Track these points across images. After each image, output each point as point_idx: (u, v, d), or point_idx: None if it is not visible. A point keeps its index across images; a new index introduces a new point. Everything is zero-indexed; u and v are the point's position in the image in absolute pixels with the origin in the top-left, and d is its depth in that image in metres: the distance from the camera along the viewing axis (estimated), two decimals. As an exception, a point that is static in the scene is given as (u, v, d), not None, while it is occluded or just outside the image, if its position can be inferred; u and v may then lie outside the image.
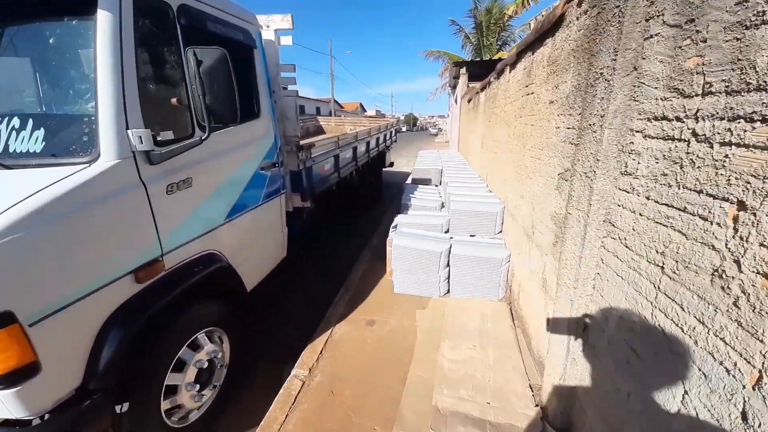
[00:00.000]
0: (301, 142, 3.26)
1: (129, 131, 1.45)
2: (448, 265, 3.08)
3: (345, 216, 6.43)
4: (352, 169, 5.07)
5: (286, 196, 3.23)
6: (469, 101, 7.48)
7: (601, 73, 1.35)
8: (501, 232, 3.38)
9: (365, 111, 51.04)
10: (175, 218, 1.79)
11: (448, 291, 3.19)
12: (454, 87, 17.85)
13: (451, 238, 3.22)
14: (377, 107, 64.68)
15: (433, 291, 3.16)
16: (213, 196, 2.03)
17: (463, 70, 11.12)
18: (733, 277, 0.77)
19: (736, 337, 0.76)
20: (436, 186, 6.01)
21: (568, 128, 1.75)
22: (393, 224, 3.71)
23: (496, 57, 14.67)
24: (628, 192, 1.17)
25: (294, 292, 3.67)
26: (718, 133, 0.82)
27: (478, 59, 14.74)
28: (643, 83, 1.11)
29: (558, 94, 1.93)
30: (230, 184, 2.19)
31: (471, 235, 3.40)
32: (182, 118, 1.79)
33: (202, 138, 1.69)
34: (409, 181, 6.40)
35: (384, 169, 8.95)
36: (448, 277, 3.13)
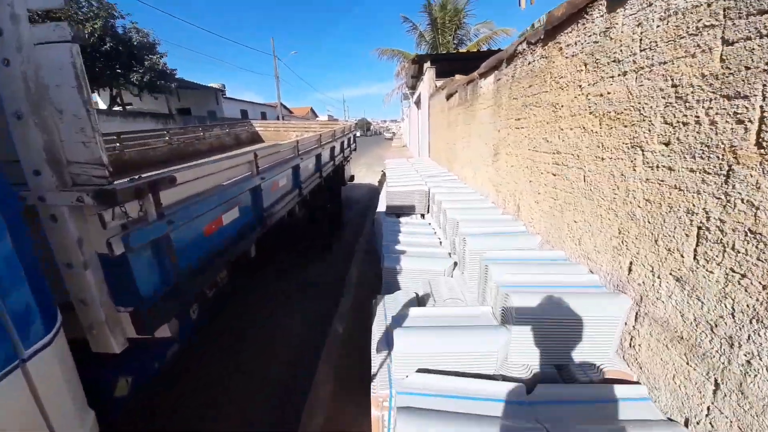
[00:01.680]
0: (137, 180, 1.22)
1: None
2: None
3: (288, 266, 4.33)
4: (294, 203, 3.05)
5: (97, 317, 1.18)
6: (448, 97, 5.79)
7: None
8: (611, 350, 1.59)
9: (317, 116, 48.42)
10: None
11: None
12: (412, 88, 16.41)
13: (529, 390, 1.36)
14: (329, 112, 62.16)
15: None
16: None
17: (428, 65, 9.54)
18: None
19: None
20: (422, 216, 4.18)
21: None
22: (378, 338, 1.76)
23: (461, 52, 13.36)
24: None
25: None
26: None
27: (444, 53, 13.33)
28: None
29: None
30: None
31: (557, 367, 1.56)
32: None
33: None
34: (381, 207, 4.50)
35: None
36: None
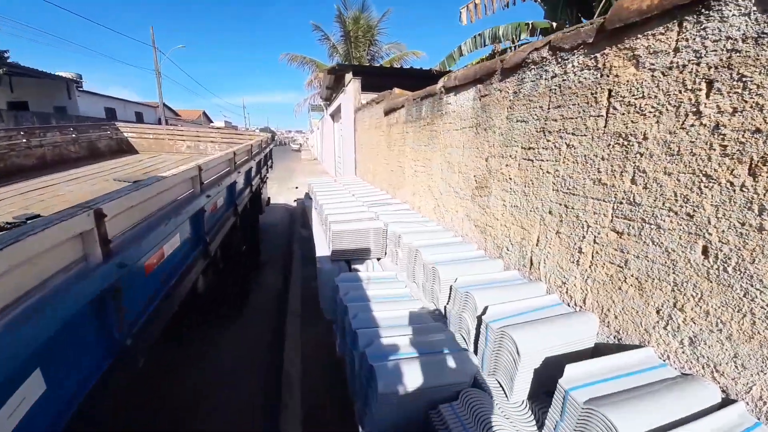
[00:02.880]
0: None
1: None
2: None
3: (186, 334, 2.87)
4: (196, 274, 1.80)
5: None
6: (388, 113, 5.09)
7: None
8: None
9: (211, 121, 42.85)
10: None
11: None
12: (327, 99, 15.44)
13: None
14: (226, 118, 55.95)
15: None
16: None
17: (350, 76, 8.79)
18: None
19: None
20: (379, 260, 3.27)
21: None
22: None
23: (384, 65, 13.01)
24: None
25: None
26: None
27: (369, 66, 12.74)
28: None
29: None
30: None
31: None
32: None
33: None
34: (323, 252, 3.41)
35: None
36: None
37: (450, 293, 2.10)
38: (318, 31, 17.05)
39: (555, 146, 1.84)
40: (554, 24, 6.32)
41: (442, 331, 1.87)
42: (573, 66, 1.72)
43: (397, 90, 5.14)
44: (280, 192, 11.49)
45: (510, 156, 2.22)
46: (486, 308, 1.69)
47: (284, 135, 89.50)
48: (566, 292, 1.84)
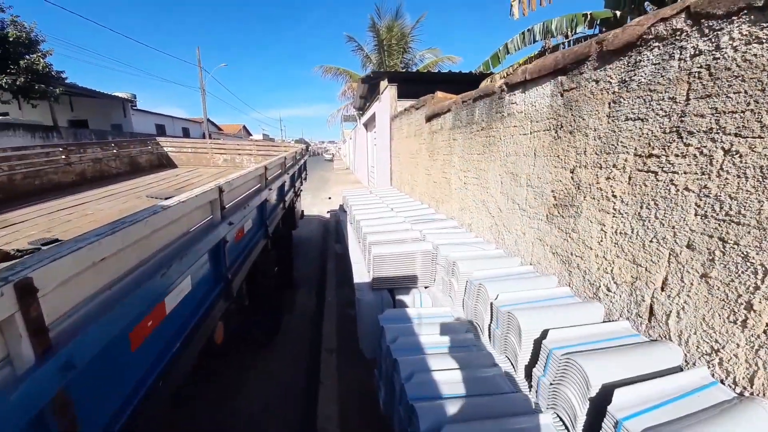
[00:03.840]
0: None
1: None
2: None
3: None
4: (218, 314, 1.43)
5: None
6: (430, 119, 4.64)
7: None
8: None
9: (250, 135, 44.85)
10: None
11: None
12: (361, 108, 15.36)
13: None
14: (264, 131, 58.44)
15: None
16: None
17: (386, 83, 8.48)
18: None
19: None
20: (426, 287, 2.79)
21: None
22: None
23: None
24: None
25: None
26: None
27: (404, 72, 12.48)
28: None
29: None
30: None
31: None
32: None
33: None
34: (361, 276, 2.99)
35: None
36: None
37: (534, 349, 1.58)
38: (351, 42, 17.11)
39: (701, 152, 1.29)
40: (618, 13, 5.58)
41: (533, 412, 1.35)
42: (732, 38, 1.17)
43: (439, 94, 4.69)
44: (314, 203, 11.36)
45: (614, 166, 1.68)
46: (607, 389, 1.16)
47: (317, 145, 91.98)
48: (719, 364, 1.25)
